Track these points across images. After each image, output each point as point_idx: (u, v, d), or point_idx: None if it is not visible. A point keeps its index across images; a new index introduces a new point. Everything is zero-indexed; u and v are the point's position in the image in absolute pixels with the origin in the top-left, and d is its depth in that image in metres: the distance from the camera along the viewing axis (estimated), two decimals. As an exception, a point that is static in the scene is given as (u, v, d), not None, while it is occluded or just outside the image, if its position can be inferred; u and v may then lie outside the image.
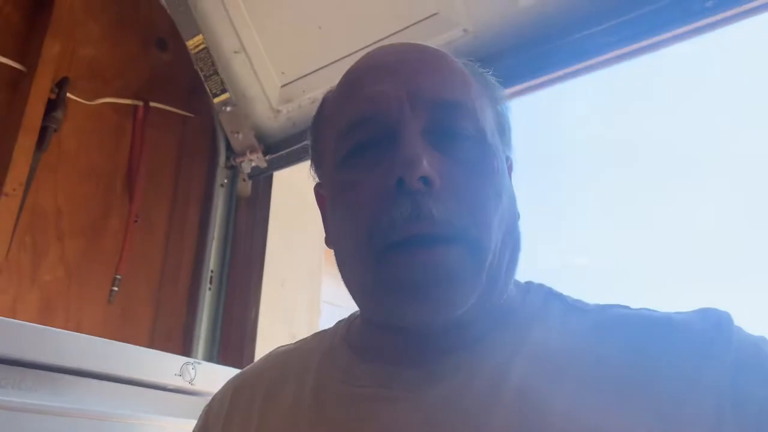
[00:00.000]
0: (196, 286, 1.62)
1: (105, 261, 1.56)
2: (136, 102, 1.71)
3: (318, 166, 0.61)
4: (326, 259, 1.84)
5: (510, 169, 0.59)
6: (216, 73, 1.50)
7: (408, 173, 0.47)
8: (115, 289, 1.53)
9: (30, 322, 1.15)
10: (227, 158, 1.66)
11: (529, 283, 0.58)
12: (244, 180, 1.68)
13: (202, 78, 1.54)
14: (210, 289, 1.60)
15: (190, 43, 1.47)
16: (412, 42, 0.58)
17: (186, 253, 1.69)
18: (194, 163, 1.78)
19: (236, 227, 1.67)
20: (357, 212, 0.50)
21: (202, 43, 1.45)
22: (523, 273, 0.58)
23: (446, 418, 0.47)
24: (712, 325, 0.47)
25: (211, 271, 1.62)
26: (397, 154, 0.48)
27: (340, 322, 0.65)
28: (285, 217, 1.68)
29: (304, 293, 1.71)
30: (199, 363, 0.97)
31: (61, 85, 1.55)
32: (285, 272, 1.66)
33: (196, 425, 0.66)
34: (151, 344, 1.58)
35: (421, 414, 0.48)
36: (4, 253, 1.38)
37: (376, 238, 0.48)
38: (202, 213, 1.71)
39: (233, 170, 1.69)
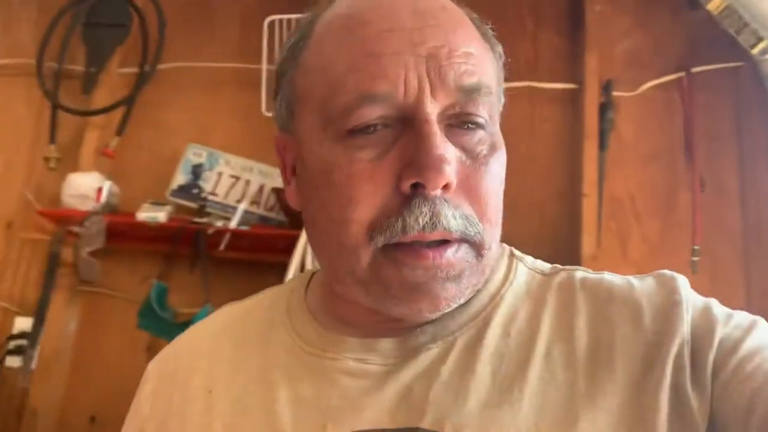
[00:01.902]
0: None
1: (682, 233, 1.67)
2: (678, 75, 1.75)
3: (290, 111, 0.51)
4: None
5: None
6: (746, 24, 1.40)
7: (431, 181, 0.43)
8: (696, 259, 1.62)
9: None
10: (786, 104, 1.50)
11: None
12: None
13: (733, 34, 1.46)
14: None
15: (711, 6, 1.43)
16: None
17: (764, 210, 1.62)
18: (755, 115, 1.67)
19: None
20: (356, 202, 0.45)
21: (723, 2, 1.39)
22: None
23: (422, 392, 0.47)
24: (670, 291, 0.48)
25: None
26: (419, 152, 0.43)
27: (292, 280, 0.61)
28: None
29: None
30: None
31: (607, 87, 1.75)
32: None
33: (143, 387, 0.59)
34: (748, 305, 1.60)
35: (397, 387, 0.47)
36: (596, 242, 1.68)
37: (379, 235, 0.45)
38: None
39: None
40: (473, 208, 0.46)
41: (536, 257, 0.56)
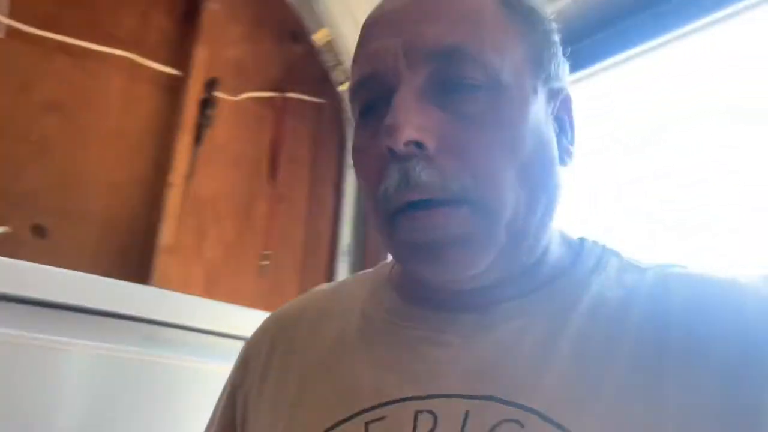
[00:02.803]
0: (333, 260, 1.77)
1: (255, 239, 1.76)
2: (275, 94, 1.89)
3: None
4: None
5: (565, 102, 0.54)
6: (340, 63, 1.61)
7: (392, 141, 0.44)
8: (265, 263, 1.72)
9: (197, 295, 1.36)
10: (355, 141, 1.78)
11: (582, 239, 0.56)
12: (372, 160, 1.79)
13: (328, 69, 1.66)
14: (345, 261, 1.74)
15: (316, 37, 1.59)
16: None
17: (324, 229, 1.85)
18: (327, 147, 1.92)
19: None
20: (364, 180, 0.50)
21: (328, 35, 1.57)
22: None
23: (500, 363, 0.46)
24: None
25: (347, 245, 1.75)
26: (386, 119, 0.46)
27: (380, 265, 0.63)
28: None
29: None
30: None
31: (211, 85, 1.75)
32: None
33: (236, 362, 0.64)
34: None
35: (475, 359, 0.47)
36: (174, 235, 1.62)
37: (380, 207, 0.48)
38: (336, 192, 1.85)
39: (362, 151, 1.81)
40: (460, 166, 0.45)
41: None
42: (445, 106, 0.47)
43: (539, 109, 0.50)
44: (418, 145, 0.45)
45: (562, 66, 0.54)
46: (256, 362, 0.60)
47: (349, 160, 1.90)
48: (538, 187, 0.49)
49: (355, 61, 0.52)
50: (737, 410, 0.41)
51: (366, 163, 0.50)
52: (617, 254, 0.54)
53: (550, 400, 0.43)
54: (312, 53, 1.86)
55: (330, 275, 1.79)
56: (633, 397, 0.42)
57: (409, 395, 0.46)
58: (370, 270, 0.64)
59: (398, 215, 0.47)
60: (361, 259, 1.78)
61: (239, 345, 0.67)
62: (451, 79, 0.47)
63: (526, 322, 0.48)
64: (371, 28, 0.52)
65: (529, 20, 0.51)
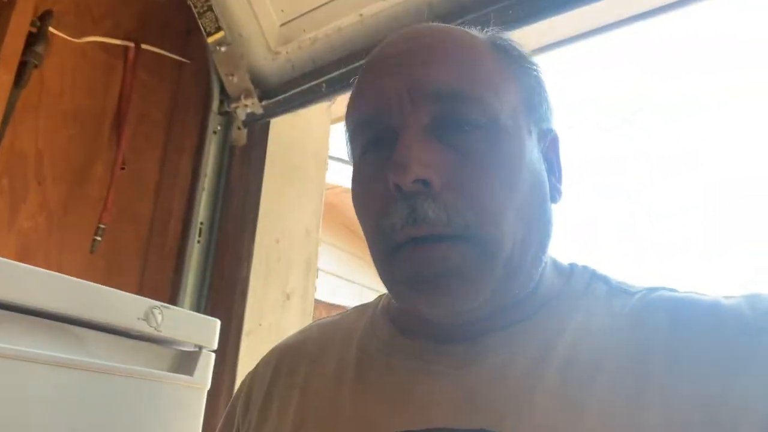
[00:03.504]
0: (185, 239, 1.52)
1: (88, 209, 1.46)
2: (126, 43, 1.61)
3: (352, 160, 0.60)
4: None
5: (553, 142, 0.56)
6: (210, 9, 1.39)
7: (400, 178, 0.46)
8: (98, 238, 1.43)
9: None
10: (221, 103, 1.55)
11: (572, 265, 0.58)
12: (239, 128, 1.57)
13: (196, 14, 1.43)
14: (199, 242, 1.50)
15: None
16: (427, 25, 0.56)
17: (176, 204, 1.59)
18: (189, 111, 1.66)
19: (229, 178, 1.56)
20: (368, 216, 0.52)
21: (195, -26, 1.33)
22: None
23: (488, 394, 0.48)
24: (763, 313, 0.46)
25: (201, 224, 1.51)
26: (393, 156, 0.48)
27: (381, 296, 0.65)
28: (282, 170, 1.57)
29: (300, 252, 1.61)
30: (167, 307, 0.86)
31: (44, 18, 1.44)
32: (280, 229, 1.56)
33: (240, 389, 0.66)
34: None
35: (464, 389, 0.49)
36: (-23, 195, 1.28)
37: (384, 240, 0.50)
38: (194, 163, 1.60)
39: (227, 117, 1.58)
40: (464, 203, 0.47)
41: None
42: (449, 145, 0.49)
43: (533, 149, 0.53)
44: (425, 183, 0.47)
45: (550, 108, 0.57)
46: (258, 394, 0.62)
47: (213, 127, 1.69)
48: (533, 224, 0.51)
49: (356, 99, 0.54)
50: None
51: (370, 198, 0.51)
52: (605, 279, 0.56)
53: (537, 430, 0.45)
54: (176, 4, 1.61)
55: (180, 258, 1.53)
56: (615, 424, 0.44)
57: (401, 429, 0.49)
58: (370, 302, 0.66)
59: (401, 250, 0.48)
60: (216, 240, 1.54)
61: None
62: (454, 119, 0.49)
63: (513, 352, 0.50)
64: (376, 67, 0.54)
65: (521, 65, 0.55)
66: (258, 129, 1.56)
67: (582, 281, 0.55)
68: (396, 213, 0.48)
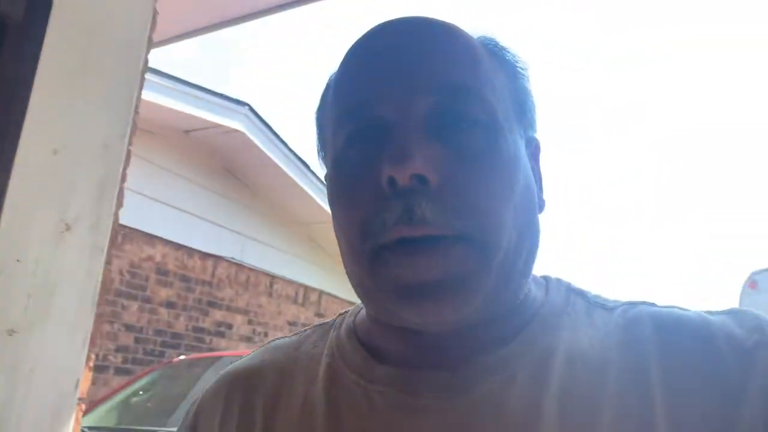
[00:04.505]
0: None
1: None
2: None
3: (324, 156, 0.56)
4: (138, 136, 1.36)
5: (536, 151, 0.55)
6: None
7: (398, 172, 0.43)
8: None
9: None
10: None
11: (546, 278, 0.56)
12: (15, -4, 1.18)
13: None
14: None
15: None
16: (423, 16, 0.51)
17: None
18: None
19: (-7, 62, 1.18)
20: (351, 211, 0.48)
21: None
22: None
23: (483, 428, 0.45)
24: (752, 329, 0.46)
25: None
26: (389, 149, 0.45)
27: (343, 313, 0.60)
28: (68, 58, 1.19)
29: (91, 169, 1.24)
30: None
31: None
32: (60, 136, 1.19)
33: (183, 424, 0.60)
34: None
35: (455, 424, 0.46)
36: None
37: (368, 239, 0.46)
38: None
39: (-5, -21, 1.18)
40: (462, 204, 0.45)
41: None
42: (446, 141, 0.47)
43: (524, 153, 0.51)
44: (421, 180, 0.44)
45: (535, 116, 0.55)
46: (208, 426, 0.57)
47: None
48: (525, 229, 0.49)
49: (343, 84, 0.51)
50: None
51: (356, 194, 0.47)
52: (581, 293, 0.54)
53: None
54: None
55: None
56: None
57: None
58: (329, 321, 0.60)
59: (387, 252, 0.45)
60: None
61: None
62: (453, 113, 0.47)
63: (504, 379, 0.47)
64: (365, 56, 0.51)
65: (512, 69, 0.53)
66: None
67: (560, 295, 0.54)
68: (387, 210, 0.44)
